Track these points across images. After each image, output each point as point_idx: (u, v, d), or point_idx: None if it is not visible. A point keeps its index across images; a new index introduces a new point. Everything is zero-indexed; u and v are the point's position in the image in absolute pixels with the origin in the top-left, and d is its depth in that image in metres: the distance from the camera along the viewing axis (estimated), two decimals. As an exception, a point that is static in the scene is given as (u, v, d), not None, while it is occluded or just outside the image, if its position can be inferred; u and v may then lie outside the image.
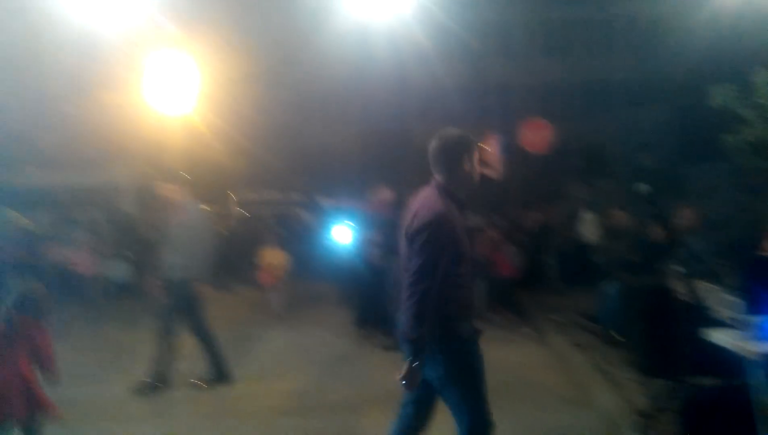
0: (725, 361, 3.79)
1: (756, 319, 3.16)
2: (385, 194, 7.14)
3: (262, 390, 5.39)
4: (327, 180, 19.46)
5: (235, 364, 6.03)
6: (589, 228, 7.92)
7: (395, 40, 14.54)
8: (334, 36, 14.64)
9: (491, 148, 10.55)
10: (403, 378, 2.63)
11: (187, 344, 5.49)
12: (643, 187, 3.96)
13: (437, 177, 2.86)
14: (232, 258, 12.40)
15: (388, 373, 5.77)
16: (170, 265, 5.25)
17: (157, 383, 5.24)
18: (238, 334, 7.60)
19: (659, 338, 4.72)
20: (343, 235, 8.73)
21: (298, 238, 11.84)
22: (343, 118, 24.43)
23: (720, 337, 3.36)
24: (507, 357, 6.08)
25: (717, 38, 6.37)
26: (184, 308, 5.31)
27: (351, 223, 8.18)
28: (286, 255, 8.70)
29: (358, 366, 6.16)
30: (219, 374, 5.46)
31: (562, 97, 21.52)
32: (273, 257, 8.59)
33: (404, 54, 17.52)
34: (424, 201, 2.80)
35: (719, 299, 3.96)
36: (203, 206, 5.67)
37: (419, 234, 2.68)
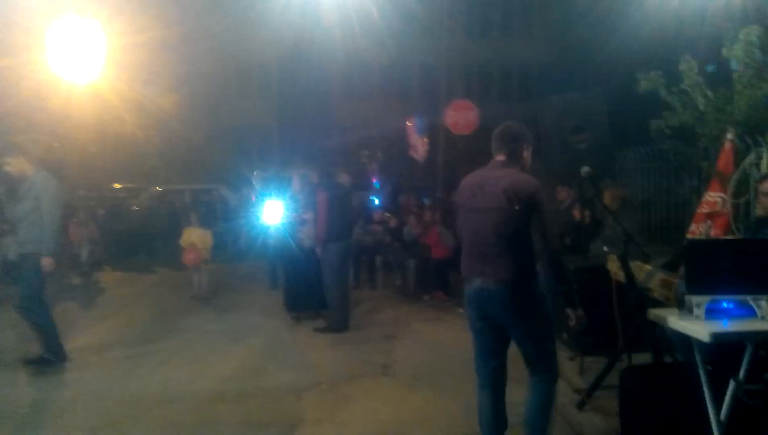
0: (659, 340, 3.92)
1: (694, 300, 3.24)
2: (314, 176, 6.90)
3: (195, 375, 5.11)
4: (249, 157, 18.82)
5: (161, 346, 5.77)
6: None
7: (322, 15, 14.16)
8: (260, 7, 14.08)
9: (414, 130, 10.48)
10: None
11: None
12: (585, 170, 4.01)
13: (504, 158, 3.24)
14: (151, 237, 11.79)
15: (324, 356, 5.70)
16: (10, 241, 5.23)
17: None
18: (160, 316, 7.25)
19: (595, 317, 4.82)
20: (273, 215, 8.45)
21: (224, 217, 11.42)
22: (264, 93, 23.67)
23: (658, 316, 3.43)
24: (448, 338, 6.10)
25: (646, 25, 6.54)
26: (23, 284, 5.07)
27: (281, 204, 7.92)
28: (210, 235, 8.31)
29: (292, 350, 5.95)
30: (55, 356, 5.20)
31: (494, 79, 21.81)
32: (196, 237, 8.17)
33: (328, 31, 17.11)
34: (511, 175, 3.14)
35: (652, 279, 4.06)
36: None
37: (537, 201, 3.07)
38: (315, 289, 6.79)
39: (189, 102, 18.59)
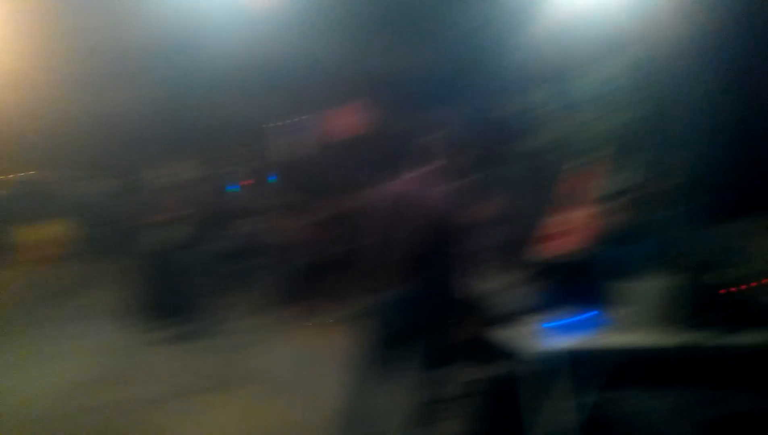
0: (502, 354, 4.00)
1: (540, 317, 3.34)
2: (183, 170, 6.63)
3: (45, 387, 4.83)
4: (125, 154, 17.74)
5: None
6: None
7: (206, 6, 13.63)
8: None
9: (293, 130, 10.40)
10: None
11: None
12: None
13: (426, 168, 3.33)
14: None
15: (179, 366, 5.43)
16: None
17: None
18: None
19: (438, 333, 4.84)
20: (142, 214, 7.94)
21: (80, 213, 10.62)
22: (144, 82, 22.49)
23: (502, 332, 3.50)
24: (313, 347, 5.98)
25: (524, 43, 6.73)
26: None
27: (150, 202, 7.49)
28: (55, 229, 7.70)
29: (146, 359, 5.71)
30: None
31: (383, 85, 21.83)
32: (38, 232, 7.53)
33: (211, 25, 16.49)
34: (433, 185, 3.25)
35: (502, 295, 4.15)
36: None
37: (458, 211, 3.25)
38: (175, 295, 6.52)
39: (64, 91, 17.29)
